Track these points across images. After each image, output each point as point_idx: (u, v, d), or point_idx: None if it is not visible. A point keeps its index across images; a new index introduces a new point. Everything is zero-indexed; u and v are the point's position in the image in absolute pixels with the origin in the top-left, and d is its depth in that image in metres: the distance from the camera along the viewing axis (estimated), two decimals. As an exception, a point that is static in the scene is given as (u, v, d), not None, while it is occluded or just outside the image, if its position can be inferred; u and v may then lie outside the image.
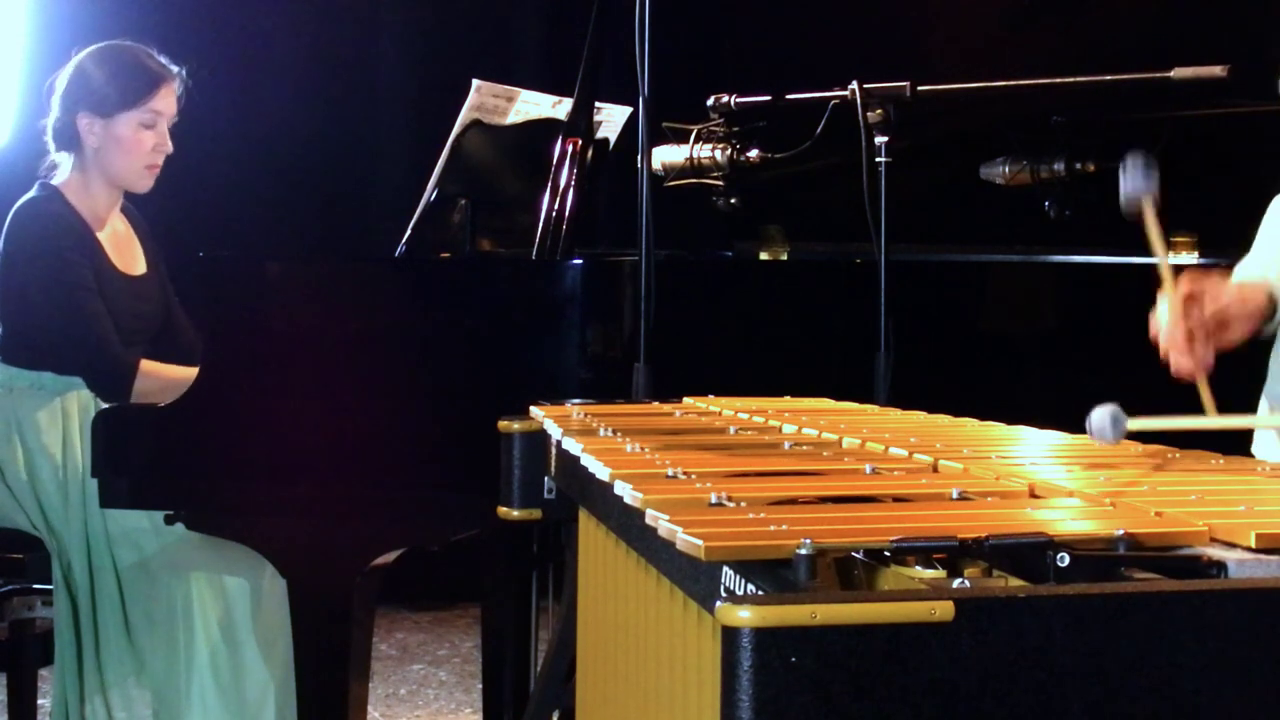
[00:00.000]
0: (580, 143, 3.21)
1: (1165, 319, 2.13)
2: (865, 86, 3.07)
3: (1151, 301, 2.17)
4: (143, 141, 3.44)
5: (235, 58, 6.00)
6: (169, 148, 3.49)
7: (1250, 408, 2.36)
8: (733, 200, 3.55)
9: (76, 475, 3.30)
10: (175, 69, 3.51)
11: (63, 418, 3.34)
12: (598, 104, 3.33)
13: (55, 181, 3.45)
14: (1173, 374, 2.14)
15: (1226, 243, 2.35)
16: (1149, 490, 1.43)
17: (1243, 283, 2.21)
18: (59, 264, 3.34)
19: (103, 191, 3.47)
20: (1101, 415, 1.70)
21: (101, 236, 3.45)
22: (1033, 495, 1.46)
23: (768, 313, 3.15)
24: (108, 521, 3.28)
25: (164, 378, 3.35)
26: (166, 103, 3.48)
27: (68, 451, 3.32)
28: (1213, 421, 2.00)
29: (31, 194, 3.44)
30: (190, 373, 3.28)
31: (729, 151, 3.52)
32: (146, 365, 3.37)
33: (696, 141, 3.54)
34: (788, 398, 2.44)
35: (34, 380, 3.34)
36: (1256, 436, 2.36)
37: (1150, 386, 2.29)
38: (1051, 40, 3.90)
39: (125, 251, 3.52)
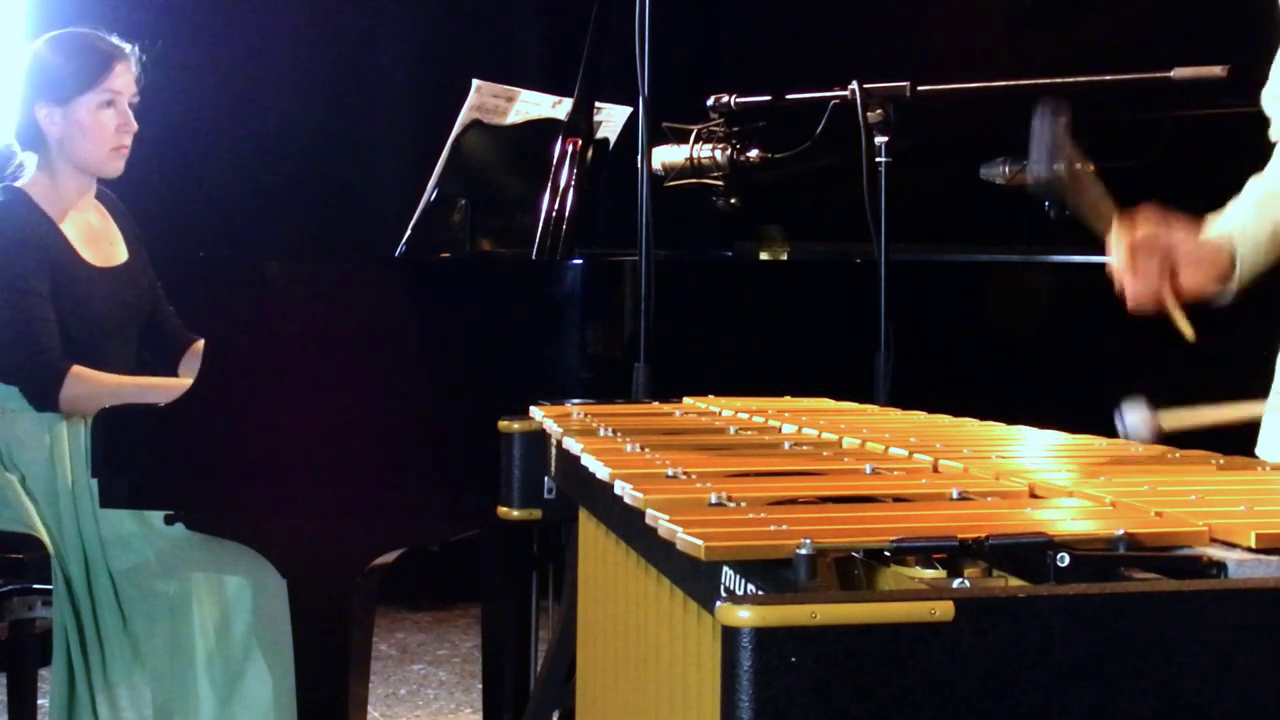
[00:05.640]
0: (580, 143, 3.21)
1: (1119, 252, 2.12)
2: (865, 86, 3.07)
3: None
4: (105, 124, 3.38)
5: (235, 57, 6.00)
6: (133, 126, 3.42)
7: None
8: (733, 200, 3.55)
9: (67, 491, 3.28)
10: (128, 46, 3.45)
11: (51, 441, 3.32)
12: (598, 104, 3.33)
13: (21, 182, 3.40)
14: (1131, 308, 2.11)
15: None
16: (1149, 490, 1.43)
17: (1206, 237, 2.20)
18: (12, 270, 3.30)
19: (72, 183, 3.41)
20: (1134, 416, 1.72)
21: (71, 232, 3.40)
22: (1033, 495, 1.46)
23: (768, 313, 3.15)
24: (101, 526, 3.26)
25: (94, 384, 3.27)
26: (124, 80, 3.41)
27: (56, 469, 3.30)
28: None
29: None
30: (127, 380, 3.26)
31: (729, 151, 3.52)
32: (77, 370, 3.28)
33: (696, 141, 3.54)
34: (788, 398, 2.44)
35: (22, 403, 3.32)
36: (1262, 436, 2.35)
37: (1150, 386, 2.30)
38: (1051, 40, 3.90)
39: (101, 242, 3.47)
